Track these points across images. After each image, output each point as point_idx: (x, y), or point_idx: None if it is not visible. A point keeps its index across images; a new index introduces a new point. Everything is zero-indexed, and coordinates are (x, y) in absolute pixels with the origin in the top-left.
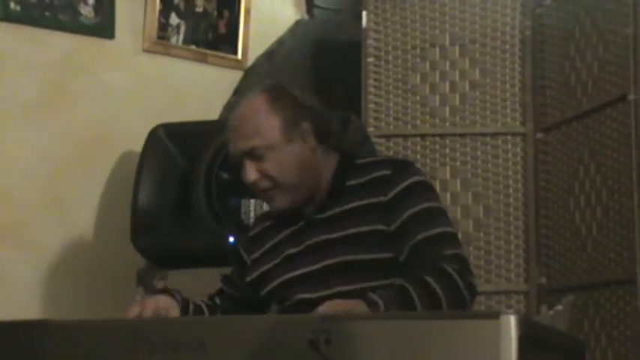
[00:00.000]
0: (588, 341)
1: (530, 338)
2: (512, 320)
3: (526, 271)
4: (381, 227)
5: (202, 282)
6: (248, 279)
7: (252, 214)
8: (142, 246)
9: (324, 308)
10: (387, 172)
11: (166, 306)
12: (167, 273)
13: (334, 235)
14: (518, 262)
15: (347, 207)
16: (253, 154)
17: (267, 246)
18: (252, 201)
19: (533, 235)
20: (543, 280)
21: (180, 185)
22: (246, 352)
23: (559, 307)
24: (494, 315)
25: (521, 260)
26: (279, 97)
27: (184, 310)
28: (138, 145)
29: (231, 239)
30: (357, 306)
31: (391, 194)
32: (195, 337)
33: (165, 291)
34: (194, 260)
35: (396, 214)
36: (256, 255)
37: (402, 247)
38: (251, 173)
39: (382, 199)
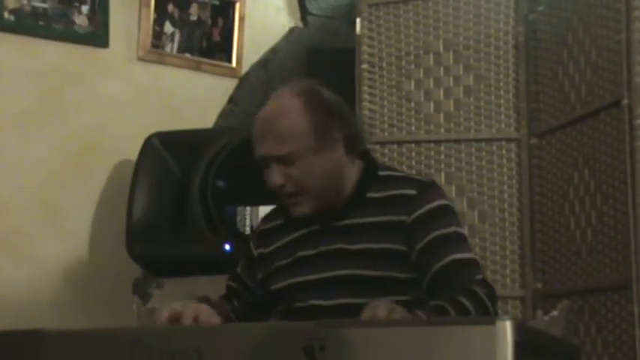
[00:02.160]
0: (584, 346)
1: (526, 343)
2: (507, 326)
3: (521, 277)
4: (398, 247)
5: (198, 290)
6: (260, 276)
7: (247, 222)
8: (137, 255)
9: (372, 310)
10: (413, 191)
11: (207, 317)
12: (163, 281)
13: (350, 247)
14: (513, 267)
15: (366, 220)
16: (284, 160)
17: (279, 244)
18: (248, 209)
19: (529, 241)
20: (539, 285)
21: (175, 194)
22: (242, 359)
23: (555, 313)
24: (490, 320)
25: (516, 266)
26: (314, 102)
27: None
28: (133, 154)
29: (227, 247)
30: (397, 310)
31: (415, 215)
32: (191, 345)
33: (203, 300)
34: (190, 268)
35: (420, 235)
36: (266, 251)
37: (426, 267)
38: (277, 177)
39: (404, 218)
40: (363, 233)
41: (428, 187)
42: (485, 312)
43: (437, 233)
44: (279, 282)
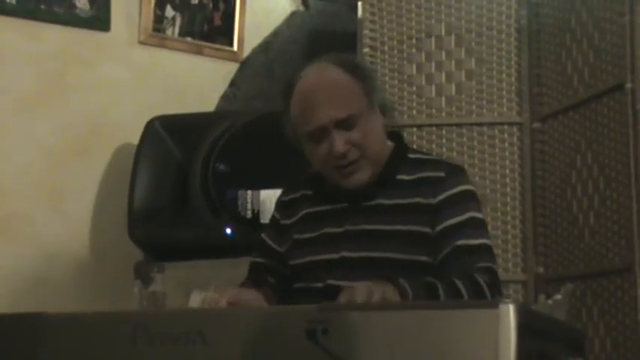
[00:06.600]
0: (586, 330)
1: (529, 327)
2: (511, 309)
3: (524, 261)
4: (425, 229)
5: (199, 274)
6: (283, 248)
7: (248, 205)
8: (139, 238)
9: (354, 291)
10: (440, 174)
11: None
12: (164, 265)
13: (377, 227)
14: (515, 251)
15: (394, 202)
16: (345, 123)
17: (303, 215)
18: (250, 192)
19: (531, 225)
20: (541, 269)
21: (176, 177)
22: (245, 342)
23: (557, 297)
24: (493, 304)
25: (518, 250)
26: (354, 67)
27: None
28: (134, 138)
29: (228, 231)
30: (388, 291)
31: (440, 198)
32: (194, 328)
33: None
34: (191, 252)
35: (441, 218)
36: (289, 222)
37: (440, 250)
38: (341, 144)
39: (431, 200)
40: (390, 215)
41: (455, 171)
42: (480, 297)
43: (450, 222)
44: (301, 257)
